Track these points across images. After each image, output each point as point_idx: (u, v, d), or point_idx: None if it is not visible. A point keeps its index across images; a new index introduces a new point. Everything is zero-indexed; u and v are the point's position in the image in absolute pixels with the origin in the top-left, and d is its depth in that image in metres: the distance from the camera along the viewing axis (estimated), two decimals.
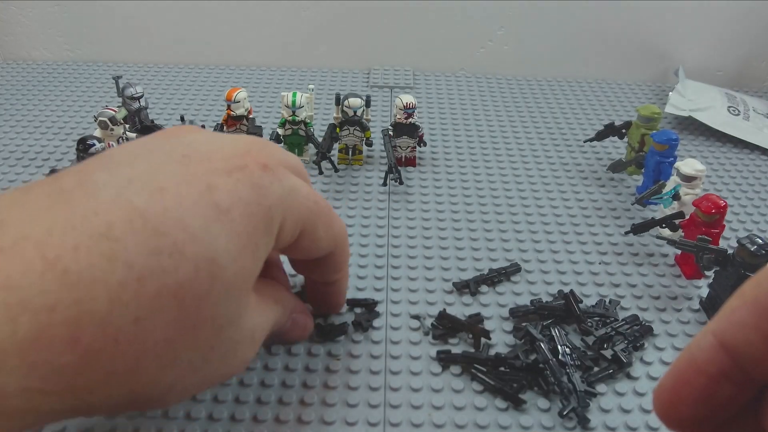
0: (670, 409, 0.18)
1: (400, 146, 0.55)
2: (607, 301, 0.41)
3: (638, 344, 0.37)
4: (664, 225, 0.44)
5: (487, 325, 0.39)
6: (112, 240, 0.22)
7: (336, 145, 0.55)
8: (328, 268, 0.34)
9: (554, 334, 0.36)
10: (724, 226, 0.42)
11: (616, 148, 0.60)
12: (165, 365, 0.24)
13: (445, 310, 0.38)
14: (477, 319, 0.39)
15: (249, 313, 0.28)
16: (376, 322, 0.38)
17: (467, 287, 0.41)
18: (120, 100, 0.55)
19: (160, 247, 0.22)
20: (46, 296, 0.20)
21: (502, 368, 0.35)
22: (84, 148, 0.43)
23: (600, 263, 0.45)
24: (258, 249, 0.26)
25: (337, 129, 0.54)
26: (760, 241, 0.37)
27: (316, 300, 0.37)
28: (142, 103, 0.55)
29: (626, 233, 0.46)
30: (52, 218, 0.22)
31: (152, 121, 0.55)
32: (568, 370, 0.34)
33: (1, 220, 0.22)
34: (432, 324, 0.38)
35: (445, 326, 0.38)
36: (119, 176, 0.24)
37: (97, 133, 0.49)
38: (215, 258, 0.24)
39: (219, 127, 0.53)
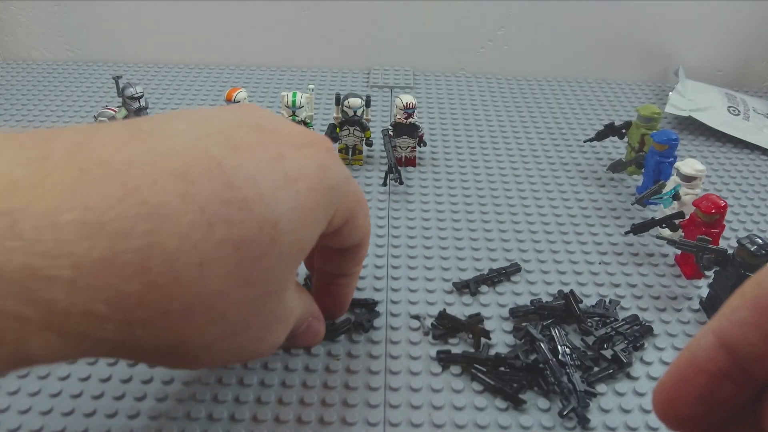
0: (669, 408, 0.18)
1: (400, 146, 0.55)
2: (607, 301, 0.41)
3: (638, 344, 0.37)
4: (664, 225, 0.44)
5: (487, 325, 0.39)
6: (188, 182, 0.22)
7: (336, 145, 0.55)
8: (352, 259, 0.34)
9: (554, 334, 0.36)
10: (724, 226, 0.42)
11: (616, 148, 0.60)
12: (212, 319, 0.24)
13: (445, 310, 0.38)
14: (477, 319, 0.39)
15: (290, 293, 0.28)
16: (376, 322, 0.38)
17: (467, 287, 0.41)
18: (120, 100, 0.55)
19: (231, 199, 0.23)
20: (123, 222, 0.20)
21: (502, 368, 0.35)
22: None
23: (600, 263, 0.45)
24: (314, 226, 0.27)
25: (337, 129, 0.54)
26: (760, 241, 0.36)
27: (323, 300, 0.37)
28: (142, 103, 0.55)
29: (626, 233, 0.46)
30: (133, 151, 0.22)
31: None
32: (568, 370, 0.34)
33: (81, 142, 0.22)
34: (432, 324, 0.38)
35: (445, 326, 0.38)
36: (197, 128, 0.25)
37: None
38: (277, 222, 0.24)
39: None
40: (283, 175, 0.25)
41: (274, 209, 0.24)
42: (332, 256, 0.34)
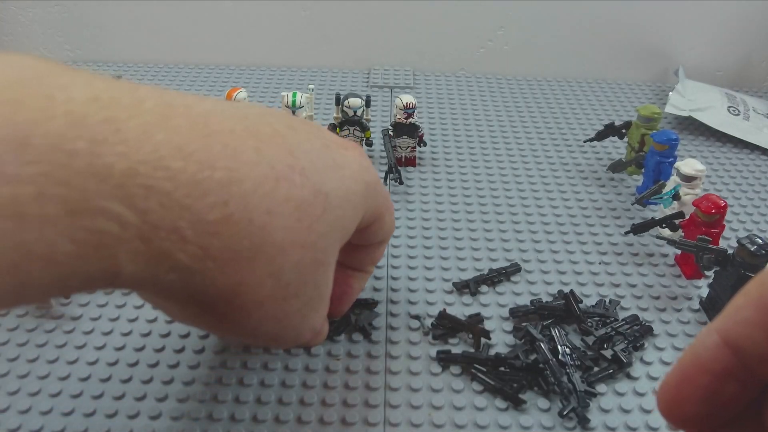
0: (673, 407, 0.18)
1: (400, 146, 0.55)
2: (607, 301, 0.41)
3: (638, 344, 0.37)
4: (664, 225, 0.44)
5: (487, 325, 0.39)
6: (258, 140, 0.24)
7: None
8: (369, 257, 0.35)
9: (554, 334, 0.36)
10: (724, 226, 0.42)
11: (616, 148, 0.60)
12: (272, 272, 0.25)
13: (445, 310, 0.38)
14: (477, 319, 0.39)
15: (332, 272, 0.29)
16: (375, 322, 0.38)
17: (467, 287, 0.41)
18: None
19: (293, 165, 0.25)
20: (208, 153, 0.22)
21: (502, 368, 0.35)
22: None
23: (600, 263, 0.44)
24: (355, 211, 0.29)
25: (337, 129, 0.54)
26: (760, 241, 0.36)
27: (340, 289, 0.37)
28: None
29: (626, 233, 0.46)
30: (210, 105, 0.25)
31: None
32: (568, 370, 0.34)
33: (164, 91, 0.24)
34: (432, 324, 0.38)
35: (445, 326, 0.38)
36: (259, 108, 0.27)
37: None
38: (328, 194, 0.27)
39: None
40: (332, 160, 0.28)
41: (326, 183, 0.27)
42: (354, 251, 0.35)
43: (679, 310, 0.41)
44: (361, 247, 0.34)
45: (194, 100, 0.24)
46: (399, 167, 0.53)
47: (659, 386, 0.19)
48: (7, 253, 0.19)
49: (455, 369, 0.36)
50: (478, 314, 0.39)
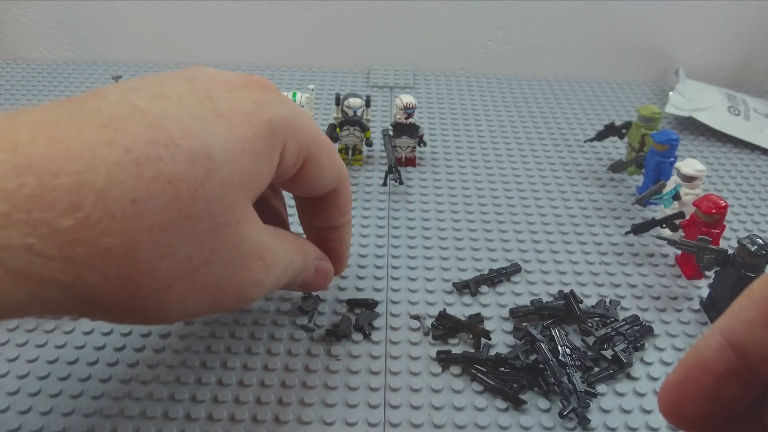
0: (676, 408, 0.18)
1: (400, 146, 0.55)
2: (608, 301, 0.41)
3: (638, 344, 0.37)
4: (664, 225, 0.44)
5: (487, 325, 0.39)
6: (111, 129, 0.23)
7: (336, 146, 0.55)
8: (334, 209, 0.34)
9: (554, 334, 0.36)
10: (724, 226, 0.42)
11: (616, 148, 0.60)
12: (161, 255, 0.24)
13: (445, 310, 0.38)
14: (477, 319, 0.38)
15: (253, 226, 0.28)
16: (376, 323, 0.38)
17: (467, 287, 0.41)
18: None
19: (157, 138, 0.24)
20: (51, 163, 0.22)
21: (502, 368, 0.35)
22: None
23: (600, 263, 0.44)
24: (257, 156, 0.27)
25: (337, 129, 0.54)
26: (761, 242, 0.36)
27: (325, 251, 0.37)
28: None
29: (626, 233, 0.46)
30: (62, 111, 0.24)
31: None
32: (568, 371, 0.34)
33: (12, 113, 0.24)
34: (432, 324, 0.38)
35: (445, 326, 0.38)
36: (126, 86, 0.26)
37: None
38: (210, 153, 0.25)
39: None
40: (213, 112, 0.26)
41: (206, 141, 0.25)
42: (313, 209, 0.35)
43: (679, 311, 0.41)
44: (318, 201, 0.33)
45: (42, 111, 0.24)
46: (399, 167, 0.53)
47: (661, 386, 0.19)
48: None
49: (455, 369, 0.36)
50: (478, 314, 0.39)
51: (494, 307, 0.40)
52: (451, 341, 0.38)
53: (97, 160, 0.22)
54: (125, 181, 0.23)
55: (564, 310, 0.39)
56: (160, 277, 0.24)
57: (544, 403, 0.34)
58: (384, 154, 0.54)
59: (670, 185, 0.46)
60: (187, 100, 0.26)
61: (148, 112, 0.25)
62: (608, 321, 0.39)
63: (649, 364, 0.37)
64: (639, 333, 0.38)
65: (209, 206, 0.25)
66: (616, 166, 0.54)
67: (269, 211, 0.35)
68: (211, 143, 0.25)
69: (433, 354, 0.36)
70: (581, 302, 0.40)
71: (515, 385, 0.34)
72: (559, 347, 0.35)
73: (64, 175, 0.22)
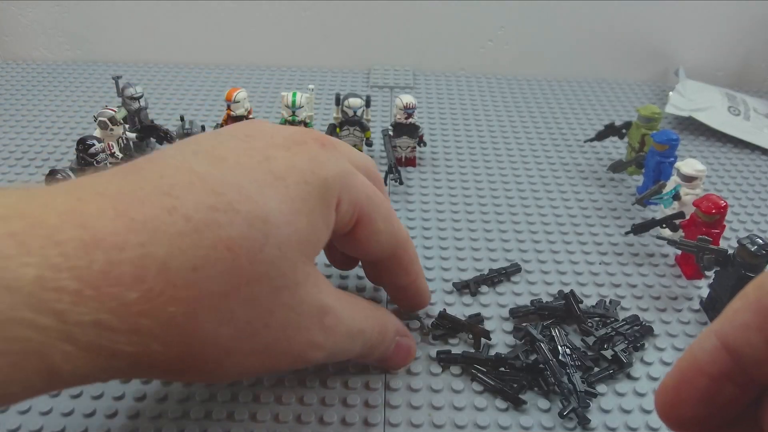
0: (671, 410, 0.18)
1: (400, 146, 0.55)
2: (608, 301, 0.41)
3: (638, 344, 0.37)
4: (664, 225, 0.44)
5: (487, 325, 0.38)
6: (173, 197, 0.24)
7: None
8: (396, 272, 0.34)
9: (554, 334, 0.36)
10: (724, 226, 0.42)
11: (616, 148, 0.60)
12: (222, 320, 0.24)
13: (445, 310, 0.38)
14: (477, 319, 0.38)
15: (313, 287, 0.28)
16: None
17: (467, 287, 0.41)
18: (120, 100, 0.55)
19: (216, 204, 0.24)
20: (116, 237, 0.22)
21: (502, 368, 0.35)
22: (84, 149, 0.43)
23: (600, 263, 0.44)
24: (314, 215, 0.27)
25: (337, 129, 0.54)
26: (761, 242, 0.36)
27: (399, 301, 0.37)
28: (142, 103, 0.55)
29: (626, 233, 0.46)
30: (124, 182, 0.25)
31: (152, 121, 0.55)
32: (568, 371, 0.34)
33: (81, 183, 0.25)
34: (432, 324, 0.38)
35: (445, 326, 0.38)
36: (185, 150, 0.27)
37: (97, 133, 0.49)
38: (268, 217, 0.25)
39: (218, 128, 0.53)
40: (270, 174, 0.26)
41: (263, 205, 0.25)
42: (379, 271, 0.35)
43: (679, 311, 0.41)
44: (379, 265, 0.33)
45: (107, 182, 0.24)
46: (399, 167, 0.53)
47: (657, 389, 0.19)
48: None
49: (455, 369, 0.36)
50: (478, 314, 0.39)
51: (494, 307, 0.40)
52: (451, 341, 0.38)
53: (159, 232, 0.23)
54: (186, 251, 0.23)
55: (564, 310, 0.39)
56: (220, 343, 0.25)
57: (544, 403, 0.34)
58: (384, 154, 0.54)
59: (670, 185, 0.46)
60: (244, 162, 0.26)
61: (208, 178, 0.25)
62: (608, 321, 0.39)
63: (649, 364, 0.37)
64: (639, 333, 0.38)
65: (268, 270, 0.25)
66: (616, 166, 0.54)
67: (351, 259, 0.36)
68: (269, 206, 0.25)
69: (433, 354, 0.36)
70: (581, 302, 0.40)
71: (515, 385, 0.34)
72: (559, 347, 0.35)
73: (129, 248, 0.22)
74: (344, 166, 0.29)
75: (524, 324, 0.38)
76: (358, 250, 0.32)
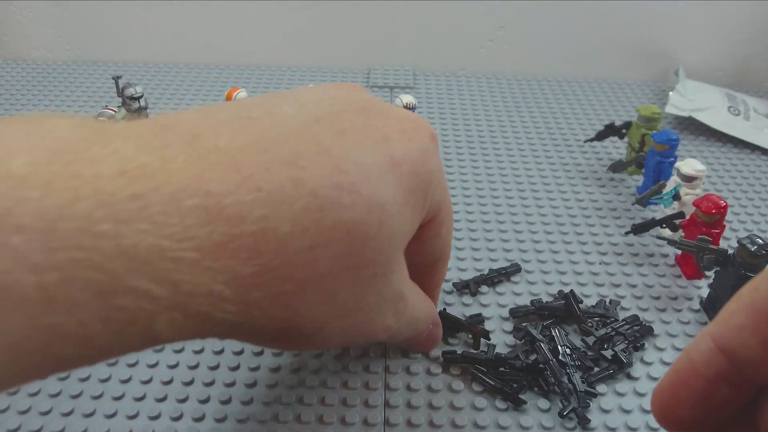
0: (668, 411, 0.18)
1: None
2: (608, 301, 0.41)
3: (638, 344, 0.37)
4: (664, 225, 0.44)
5: (487, 325, 0.38)
6: (299, 168, 0.23)
7: None
8: (422, 279, 0.34)
9: (554, 334, 0.36)
10: (724, 226, 0.41)
11: (616, 148, 0.60)
12: (324, 300, 0.24)
13: (445, 310, 0.38)
14: (477, 319, 0.38)
15: (399, 275, 0.28)
16: None
17: (467, 287, 0.41)
18: (120, 100, 0.55)
19: (341, 183, 0.23)
20: (240, 207, 0.21)
21: (502, 368, 0.35)
22: None
23: (600, 263, 0.44)
24: (416, 209, 0.27)
25: None
26: (761, 242, 0.36)
27: None
28: (142, 103, 0.55)
29: (626, 233, 0.46)
30: (245, 139, 0.23)
31: None
32: (568, 371, 0.34)
33: (196, 133, 0.22)
34: None
35: (445, 326, 0.38)
36: (305, 113, 0.25)
37: None
38: (385, 205, 0.25)
39: None
40: (389, 158, 0.26)
41: (382, 191, 0.25)
42: (412, 273, 0.35)
43: (679, 311, 0.41)
44: (420, 268, 0.33)
45: (227, 138, 0.23)
46: None
47: (654, 391, 0.19)
48: (37, 335, 0.18)
49: (455, 369, 0.36)
50: (478, 314, 0.39)
51: (494, 307, 0.40)
52: (451, 341, 0.37)
53: (283, 206, 0.22)
54: (308, 228, 0.22)
55: (564, 310, 0.39)
56: (317, 319, 0.25)
57: (544, 403, 0.34)
58: None
59: (670, 185, 0.46)
60: (365, 142, 0.25)
61: (333, 152, 0.24)
62: (608, 321, 0.39)
63: (649, 364, 0.37)
64: (639, 333, 0.38)
65: (375, 257, 0.25)
66: (616, 166, 0.54)
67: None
68: (386, 194, 0.25)
69: (433, 354, 0.36)
70: (581, 302, 0.40)
71: (515, 385, 0.34)
72: (559, 347, 0.35)
73: (251, 221, 0.21)
74: (440, 162, 0.29)
75: (524, 324, 0.38)
76: (411, 247, 0.31)
